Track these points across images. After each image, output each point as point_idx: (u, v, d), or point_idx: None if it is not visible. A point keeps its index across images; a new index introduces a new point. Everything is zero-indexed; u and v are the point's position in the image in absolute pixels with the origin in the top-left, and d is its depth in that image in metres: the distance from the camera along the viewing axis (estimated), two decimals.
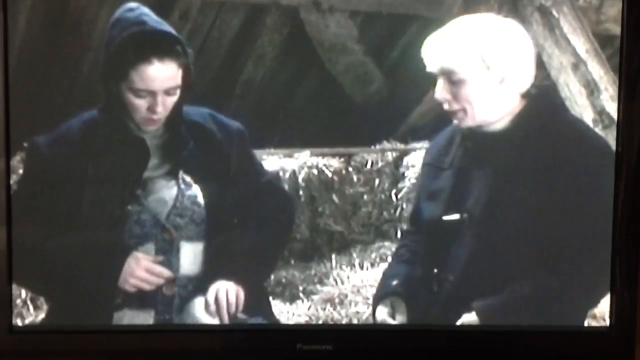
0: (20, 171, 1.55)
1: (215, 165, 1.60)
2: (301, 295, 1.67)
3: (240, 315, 1.60)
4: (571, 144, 1.55)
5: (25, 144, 1.54)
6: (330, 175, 1.72)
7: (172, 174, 1.59)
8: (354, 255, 1.69)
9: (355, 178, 1.72)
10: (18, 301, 1.58)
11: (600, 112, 1.58)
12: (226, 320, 1.59)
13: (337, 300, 1.67)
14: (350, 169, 1.72)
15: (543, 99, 1.56)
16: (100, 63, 1.52)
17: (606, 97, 1.58)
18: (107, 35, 1.50)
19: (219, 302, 1.59)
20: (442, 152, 1.61)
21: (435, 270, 1.60)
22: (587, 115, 1.58)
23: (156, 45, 1.50)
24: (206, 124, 1.58)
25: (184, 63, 1.52)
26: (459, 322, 1.59)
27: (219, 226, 1.60)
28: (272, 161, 1.68)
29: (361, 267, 1.69)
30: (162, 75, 1.51)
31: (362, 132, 1.64)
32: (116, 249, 1.57)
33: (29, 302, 1.60)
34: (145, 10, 1.51)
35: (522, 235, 1.56)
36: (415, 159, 1.67)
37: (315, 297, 1.68)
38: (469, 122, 1.55)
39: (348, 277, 1.70)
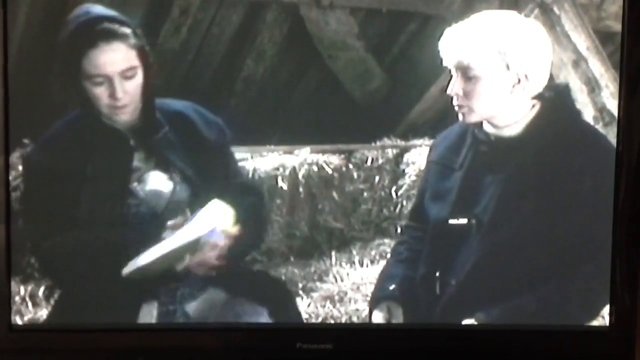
0: (20, 167, 1.55)
1: (191, 152, 1.60)
2: (301, 292, 1.67)
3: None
4: (584, 152, 1.55)
5: (25, 140, 1.54)
6: (330, 172, 1.72)
7: (165, 166, 1.59)
8: (354, 252, 1.70)
9: (355, 175, 1.72)
10: (17, 298, 1.58)
11: (601, 110, 1.58)
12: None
13: (336, 298, 1.67)
14: (350, 165, 1.72)
15: (557, 104, 1.55)
16: (60, 62, 1.53)
17: (607, 95, 1.58)
18: (59, 38, 1.52)
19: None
20: (452, 152, 1.60)
21: (437, 274, 1.59)
22: (587, 113, 1.58)
23: (101, 30, 1.50)
24: (185, 112, 1.58)
25: (135, 44, 1.52)
26: None
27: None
28: (272, 158, 1.68)
29: (361, 265, 1.69)
30: (112, 57, 1.51)
31: (363, 129, 1.64)
32: (115, 245, 1.57)
33: (27, 299, 1.59)
34: (91, 6, 1.51)
35: (529, 242, 1.55)
36: (416, 156, 1.68)
37: (314, 295, 1.67)
38: (475, 118, 1.54)
39: (348, 275, 1.70)
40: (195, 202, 1.58)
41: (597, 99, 1.58)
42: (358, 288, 1.67)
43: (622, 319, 1.56)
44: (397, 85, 1.61)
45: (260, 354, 1.61)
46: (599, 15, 1.56)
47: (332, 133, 1.64)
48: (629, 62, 1.52)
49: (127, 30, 1.51)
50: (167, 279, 1.60)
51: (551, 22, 1.57)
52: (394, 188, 1.70)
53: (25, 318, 1.58)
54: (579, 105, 1.59)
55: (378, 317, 1.61)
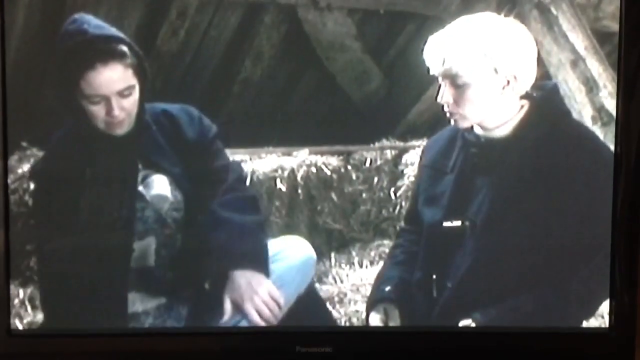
0: (19, 171, 1.55)
1: (178, 152, 1.60)
2: None
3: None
4: (575, 151, 1.55)
5: (23, 143, 1.54)
6: (329, 173, 1.71)
7: (165, 169, 1.59)
8: (353, 253, 1.69)
9: (354, 176, 1.71)
10: (16, 301, 1.57)
11: (600, 109, 1.58)
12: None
13: (336, 299, 1.67)
14: (349, 167, 1.72)
15: (546, 103, 1.55)
16: (53, 75, 1.53)
17: (605, 94, 1.57)
18: (55, 48, 1.51)
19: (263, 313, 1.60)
20: (443, 155, 1.60)
21: (434, 277, 1.59)
22: (586, 113, 1.58)
23: (98, 50, 1.50)
24: (174, 112, 1.58)
25: (132, 63, 1.52)
26: None
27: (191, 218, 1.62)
28: (271, 159, 1.68)
29: (360, 266, 1.69)
30: (109, 78, 1.51)
31: (361, 130, 1.64)
32: (118, 251, 1.57)
33: (27, 302, 1.59)
34: (87, 19, 1.50)
35: (524, 243, 1.55)
36: (415, 157, 1.67)
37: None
38: (468, 124, 1.54)
39: (347, 276, 1.69)
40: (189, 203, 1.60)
41: (596, 98, 1.58)
42: (358, 289, 1.67)
43: (621, 320, 1.56)
44: (396, 86, 1.61)
45: (260, 357, 1.60)
46: (597, 15, 1.56)
47: (330, 134, 1.64)
48: (626, 62, 1.51)
49: (123, 48, 1.51)
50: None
51: (549, 22, 1.57)
52: (392, 189, 1.70)
53: (25, 321, 1.58)
54: (575, 105, 1.59)
55: (375, 320, 1.61)
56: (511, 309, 1.56)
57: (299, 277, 1.63)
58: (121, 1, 1.53)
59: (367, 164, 1.72)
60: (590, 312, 1.57)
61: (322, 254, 1.69)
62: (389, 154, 1.71)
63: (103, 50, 1.50)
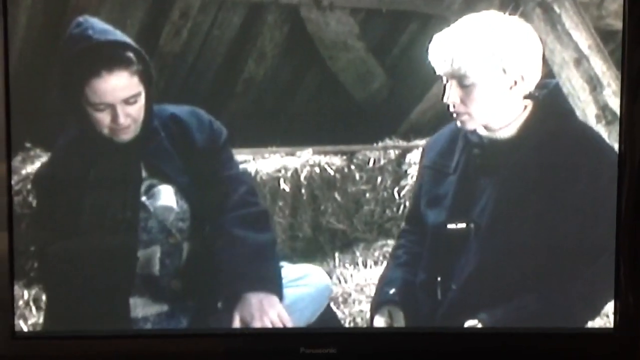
0: (23, 172, 1.55)
1: (186, 160, 1.59)
2: None
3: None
4: (578, 150, 1.54)
5: (27, 144, 1.54)
6: (332, 173, 1.71)
7: (171, 178, 1.59)
8: (357, 253, 1.69)
9: (357, 176, 1.71)
10: (20, 302, 1.57)
11: (604, 108, 1.57)
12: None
13: (340, 299, 1.67)
14: (352, 167, 1.72)
15: (549, 102, 1.54)
16: (57, 81, 1.53)
17: (609, 93, 1.57)
18: (60, 52, 1.51)
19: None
20: (444, 156, 1.59)
21: (439, 278, 1.59)
22: (590, 111, 1.58)
23: (103, 58, 1.49)
24: (183, 116, 1.57)
25: (137, 70, 1.51)
26: None
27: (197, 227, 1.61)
28: (274, 160, 1.68)
29: (364, 266, 1.69)
30: (115, 86, 1.50)
31: (364, 130, 1.64)
32: (122, 256, 1.57)
33: (31, 303, 1.59)
34: (91, 22, 1.49)
35: (528, 244, 1.55)
36: (418, 156, 1.66)
37: None
38: (474, 124, 1.54)
39: (351, 276, 1.69)
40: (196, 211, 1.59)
41: (599, 97, 1.58)
42: (362, 289, 1.67)
43: (626, 320, 1.56)
44: (398, 86, 1.61)
45: (264, 359, 1.60)
46: (600, 13, 1.55)
47: (333, 134, 1.63)
48: (630, 60, 1.52)
49: (129, 55, 1.50)
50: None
51: (552, 21, 1.57)
52: (396, 189, 1.70)
53: (29, 323, 1.58)
54: (578, 104, 1.59)
55: (379, 322, 1.61)
56: (516, 309, 1.56)
57: (312, 306, 1.63)
58: (124, 2, 1.53)
59: (371, 164, 1.71)
60: (595, 313, 1.57)
61: (325, 254, 1.69)
62: (392, 153, 1.71)
63: (108, 57, 1.49)
